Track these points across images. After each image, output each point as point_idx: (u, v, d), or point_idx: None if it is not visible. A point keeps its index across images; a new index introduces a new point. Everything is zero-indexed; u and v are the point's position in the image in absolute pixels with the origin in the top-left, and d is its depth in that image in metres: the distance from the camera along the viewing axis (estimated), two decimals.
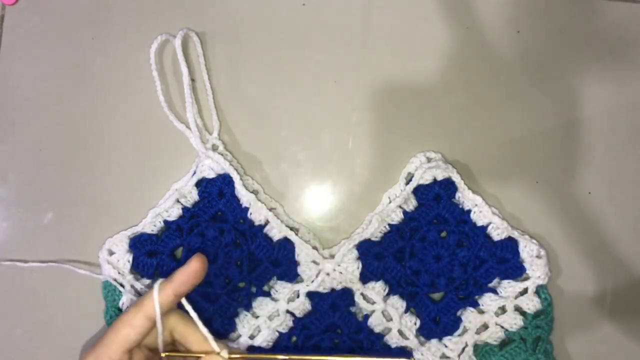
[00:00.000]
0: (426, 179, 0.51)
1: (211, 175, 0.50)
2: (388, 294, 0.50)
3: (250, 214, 0.50)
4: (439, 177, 0.51)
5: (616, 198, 0.53)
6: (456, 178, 0.51)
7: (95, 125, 0.53)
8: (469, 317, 0.50)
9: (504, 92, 0.53)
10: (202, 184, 0.50)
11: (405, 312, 0.50)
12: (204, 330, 0.38)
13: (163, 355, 0.39)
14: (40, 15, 0.53)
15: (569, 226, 0.53)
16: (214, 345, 0.38)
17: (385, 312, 0.50)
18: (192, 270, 0.39)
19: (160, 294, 0.38)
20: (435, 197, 0.51)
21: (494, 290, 0.50)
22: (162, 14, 0.53)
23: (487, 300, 0.50)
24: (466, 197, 0.51)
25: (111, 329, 0.38)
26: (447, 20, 0.53)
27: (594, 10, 0.54)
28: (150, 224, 0.50)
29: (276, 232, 0.50)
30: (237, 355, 0.37)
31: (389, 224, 0.51)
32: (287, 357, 0.37)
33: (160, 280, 0.39)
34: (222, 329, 0.50)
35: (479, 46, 0.53)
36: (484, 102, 0.53)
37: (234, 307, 0.50)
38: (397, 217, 0.51)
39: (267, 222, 0.50)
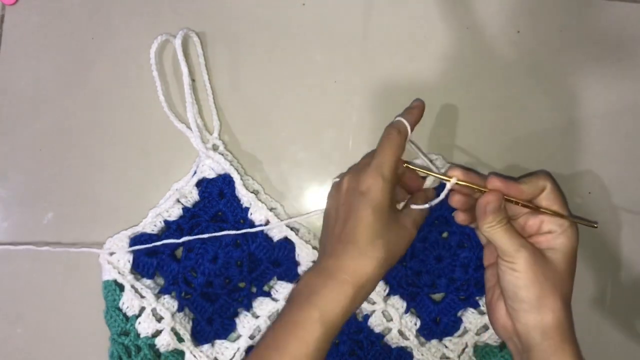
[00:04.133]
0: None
1: (211, 175, 0.50)
2: (388, 294, 0.50)
3: (251, 214, 0.50)
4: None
5: (616, 198, 0.53)
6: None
7: (95, 125, 0.53)
8: (470, 318, 0.50)
9: (504, 92, 0.53)
10: (203, 184, 0.50)
11: (406, 312, 0.50)
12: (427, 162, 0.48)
13: (404, 165, 0.47)
14: (40, 15, 0.53)
15: None
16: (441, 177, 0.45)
17: (386, 312, 0.50)
18: (420, 105, 0.48)
19: (404, 116, 0.47)
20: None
21: None
22: (162, 14, 0.53)
23: None
24: None
25: (378, 149, 0.46)
26: (447, 20, 0.53)
27: (594, 10, 0.54)
28: (151, 224, 0.50)
29: (276, 232, 0.50)
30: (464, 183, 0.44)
31: None
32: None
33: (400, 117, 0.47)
34: (222, 329, 0.50)
35: (479, 46, 0.53)
36: (484, 102, 0.53)
37: (234, 307, 0.50)
38: None
39: (267, 222, 0.50)
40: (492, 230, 0.42)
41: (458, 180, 0.44)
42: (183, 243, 0.49)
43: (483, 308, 0.50)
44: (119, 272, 0.49)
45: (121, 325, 0.49)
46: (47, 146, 0.52)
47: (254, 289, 0.51)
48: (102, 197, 0.52)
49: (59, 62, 0.53)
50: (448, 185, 0.44)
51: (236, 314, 0.50)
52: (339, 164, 0.52)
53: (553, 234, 0.43)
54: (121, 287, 0.49)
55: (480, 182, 0.44)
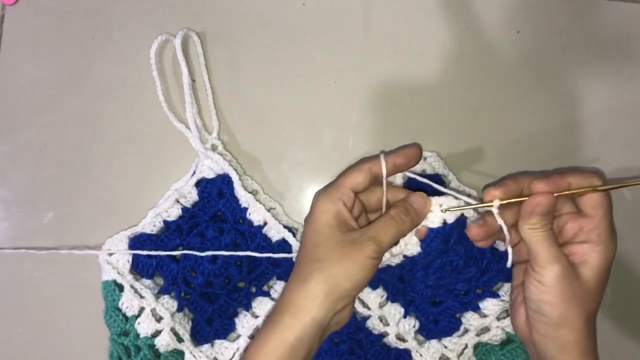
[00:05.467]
0: None
1: (211, 175, 0.50)
2: (387, 300, 0.50)
3: (249, 214, 0.50)
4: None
5: (616, 198, 0.53)
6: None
7: (95, 125, 0.53)
8: (470, 320, 0.50)
9: (503, 92, 0.53)
10: (202, 184, 0.50)
11: (404, 317, 0.50)
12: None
13: (443, 210, 0.44)
14: (40, 15, 0.53)
15: None
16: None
17: (383, 317, 0.50)
18: (411, 153, 0.45)
19: (385, 159, 0.44)
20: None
21: (496, 295, 0.50)
22: (162, 14, 0.53)
23: (489, 305, 0.49)
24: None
25: (341, 175, 0.45)
26: (447, 20, 0.53)
27: (594, 10, 0.54)
28: (150, 224, 0.50)
29: (275, 232, 0.50)
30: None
31: None
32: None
33: (382, 154, 0.45)
34: (222, 329, 0.50)
35: (479, 46, 0.53)
36: (484, 102, 0.53)
37: (233, 307, 0.50)
38: None
39: (266, 223, 0.50)
40: (532, 233, 0.40)
41: (500, 200, 0.41)
42: (182, 244, 0.49)
43: (484, 311, 0.50)
44: (119, 273, 0.49)
45: (121, 325, 0.49)
46: (47, 146, 0.53)
47: (254, 289, 0.51)
48: (101, 197, 0.52)
49: (59, 62, 0.53)
50: (495, 212, 0.41)
51: (236, 314, 0.50)
52: (339, 164, 0.52)
53: (589, 245, 0.41)
54: (120, 288, 0.49)
55: (525, 184, 0.42)
